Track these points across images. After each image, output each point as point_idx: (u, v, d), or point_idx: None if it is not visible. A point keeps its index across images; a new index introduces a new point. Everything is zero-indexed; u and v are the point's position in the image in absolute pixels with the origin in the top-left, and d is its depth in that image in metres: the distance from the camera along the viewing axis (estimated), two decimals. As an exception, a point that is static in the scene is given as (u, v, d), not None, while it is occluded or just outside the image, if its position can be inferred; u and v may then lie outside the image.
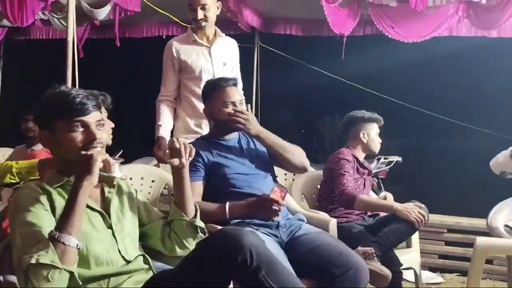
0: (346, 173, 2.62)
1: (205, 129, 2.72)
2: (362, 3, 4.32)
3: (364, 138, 2.81)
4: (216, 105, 2.19)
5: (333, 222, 2.24)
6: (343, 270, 1.80)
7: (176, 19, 5.21)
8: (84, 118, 1.42)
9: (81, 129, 1.42)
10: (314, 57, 6.10)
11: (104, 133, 1.48)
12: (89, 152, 1.38)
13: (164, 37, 5.83)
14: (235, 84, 2.25)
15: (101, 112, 1.50)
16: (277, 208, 1.92)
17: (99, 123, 1.46)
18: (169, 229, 1.62)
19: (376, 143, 2.86)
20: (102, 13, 4.70)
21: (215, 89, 2.22)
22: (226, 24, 5.39)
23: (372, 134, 2.83)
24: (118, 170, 1.46)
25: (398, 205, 2.48)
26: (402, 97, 6.01)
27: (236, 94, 2.23)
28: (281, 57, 5.68)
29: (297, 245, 1.97)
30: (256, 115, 5.46)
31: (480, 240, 1.92)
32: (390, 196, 2.92)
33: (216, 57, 2.81)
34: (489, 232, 2.35)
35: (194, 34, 2.79)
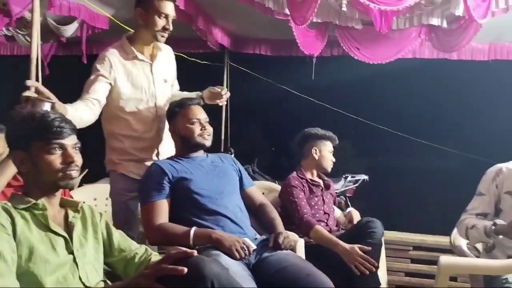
0: (297, 199, 2.65)
1: (144, 153, 2.45)
2: (329, 25, 4.42)
3: (316, 154, 2.83)
4: (182, 123, 2.24)
5: (300, 243, 2.24)
6: (310, 292, 1.79)
7: (144, 37, 5.18)
8: (62, 141, 1.46)
9: (58, 152, 1.45)
10: (284, 76, 6.17)
11: (79, 157, 1.50)
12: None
13: (132, 55, 5.79)
14: (199, 103, 2.30)
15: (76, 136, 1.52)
16: (242, 255, 1.93)
17: (75, 146, 1.50)
18: (139, 263, 1.59)
19: (328, 161, 2.87)
20: (69, 30, 4.63)
21: (180, 108, 2.26)
22: (196, 42, 5.42)
23: (324, 152, 2.85)
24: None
25: (342, 248, 2.41)
26: (369, 116, 6.13)
27: (202, 112, 2.28)
28: (251, 76, 5.72)
29: (264, 266, 1.96)
30: (225, 133, 5.47)
31: (444, 258, 1.96)
32: (356, 213, 2.94)
33: (157, 75, 2.47)
34: (452, 249, 2.39)
35: (134, 49, 2.39)
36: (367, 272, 2.33)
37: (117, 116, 2.42)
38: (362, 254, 2.36)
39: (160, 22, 2.36)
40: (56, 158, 1.44)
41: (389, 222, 2.74)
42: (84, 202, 1.57)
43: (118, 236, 1.64)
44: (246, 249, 1.96)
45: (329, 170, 2.93)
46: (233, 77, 5.79)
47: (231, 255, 1.92)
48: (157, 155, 2.47)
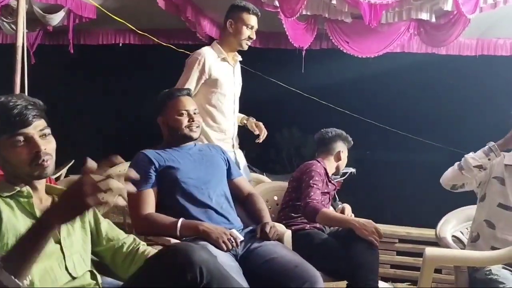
0: (315, 185, 2.63)
1: (225, 142, 2.86)
2: (319, 18, 4.41)
3: (341, 156, 2.87)
4: (171, 114, 2.23)
5: (288, 234, 2.25)
6: (298, 283, 1.79)
7: (133, 27, 5.14)
8: (25, 130, 1.34)
9: (23, 143, 1.34)
10: (272, 69, 6.16)
11: (51, 143, 1.40)
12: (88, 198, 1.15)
13: (120, 44, 5.73)
14: (188, 94, 2.31)
15: (45, 120, 1.40)
16: (229, 247, 1.93)
17: (43, 133, 1.38)
18: (126, 253, 1.58)
19: (344, 164, 2.95)
20: (56, 19, 4.57)
21: (170, 99, 2.26)
22: (184, 34, 5.38)
23: (345, 156, 2.91)
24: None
25: (356, 222, 2.43)
26: (357, 110, 6.16)
27: (191, 103, 2.27)
28: (239, 68, 5.69)
29: (252, 257, 1.96)
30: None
31: (429, 250, 1.98)
32: (348, 208, 2.95)
33: (237, 77, 2.96)
34: (438, 242, 2.42)
35: (224, 52, 2.86)
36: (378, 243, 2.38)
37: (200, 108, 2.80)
38: (376, 227, 2.41)
39: (247, 32, 2.82)
40: (21, 150, 1.34)
41: (375, 214, 2.76)
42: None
43: (106, 225, 1.61)
44: (234, 240, 1.96)
45: (340, 173, 3.01)
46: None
47: (218, 247, 1.92)
48: (233, 146, 2.92)
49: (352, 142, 2.96)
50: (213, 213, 2.08)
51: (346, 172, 5.07)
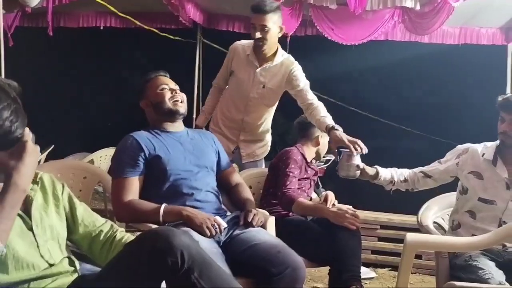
0: (291, 173, 2.62)
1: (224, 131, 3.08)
2: (304, 4, 4.38)
3: (320, 142, 2.86)
4: (152, 91, 2.21)
5: (271, 220, 2.24)
6: (280, 269, 1.79)
7: (114, 10, 5.03)
8: None
9: None
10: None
11: None
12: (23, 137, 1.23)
13: (101, 27, 5.61)
14: (165, 75, 2.29)
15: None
16: (213, 233, 1.91)
17: None
18: (104, 240, 1.55)
19: (325, 150, 2.94)
20: (34, 0, 4.44)
21: (148, 81, 2.25)
22: (168, 18, 5.29)
23: (325, 141, 2.90)
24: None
25: (330, 211, 2.46)
26: (341, 98, 6.17)
27: (171, 82, 2.26)
28: (223, 54, 5.64)
29: (235, 243, 1.95)
30: (197, 110, 5.41)
31: (410, 236, 1.99)
32: (331, 195, 2.96)
33: (257, 79, 2.94)
34: (419, 228, 2.45)
35: (252, 50, 2.91)
36: (357, 226, 2.39)
37: (225, 92, 3.15)
38: (350, 211, 2.42)
39: (254, 33, 2.79)
40: None
41: (358, 201, 2.78)
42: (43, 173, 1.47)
43: (82, 211, 1.57)
44: (217, 226, 1.95)
45: (321, 158, 2.99)
46: (205, 54, 5.70)
47: (201, 232, 1.90)
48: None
49: None
50: (199, 203, 2.06)
51: (330, 159, 5.09)
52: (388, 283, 3.49)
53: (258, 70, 2.92)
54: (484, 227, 2.20)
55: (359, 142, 2.47)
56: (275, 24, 2.79)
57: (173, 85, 2.24)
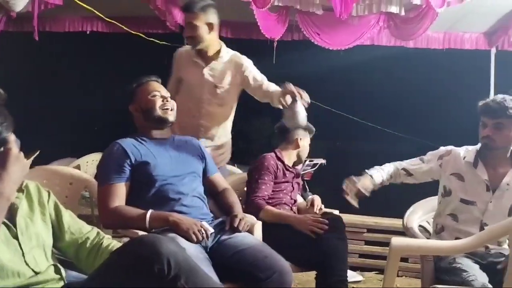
0: (260, 181, 2.63)
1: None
2: (291, 10, 4.41)
3: (299, 144, 2.87)
4: (143, 96, 2.20)
5: (257, 225, 2.25)
6: (268, 274, 1.80)
7: (100, 15, 5.01)
8: None
9: None
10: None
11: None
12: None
13: (88, 32, 5.58)
14: (157, 81, 2.28)
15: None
16: (200, 238, 1.91)
17: None
18: (90, 248, 1.54)
19: (306, 152, 2.95)
20: (20, 4, 4.38)
21: (140, 85, 2.24)
22: (154, 22, 5.28)
23: (305, 142, 2.91)
24: None
25: (294, 218, 2.51)
26: (328, 102, 6.22)
27: (163, 88, 2.26)
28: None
29: (222, 249, 1.95)
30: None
31: (395, 240, 2.01)
32: (317, 199, 2.98)
33: (206, 79, 2.84)
34: (405, 232, 2.48)
35: (195, 52, 2.83)
36: (323, 230, 2.38)
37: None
38: (314, 217, 2.45)
39: (185, 30, 2.79)
40: None
41: (345, 205, 2.79)
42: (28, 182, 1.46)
43: (68, 218, 1.56)
44: (204, 232, 1.95)
45: (303, 160, 2.98)
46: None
47: (188, 238, 1.90)
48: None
49: (314, 130, 2.95)
50: (185, 208, 2.06)
51: (317, 163, 5.12)
52: (375, 287, 3.51)
53: (205, 69, 2.83)
54: (466, 230, 2.24)
55: (304, 92, 2.43)
56: (203, 22, 2.72)
57: (164, 92, 2.23)
